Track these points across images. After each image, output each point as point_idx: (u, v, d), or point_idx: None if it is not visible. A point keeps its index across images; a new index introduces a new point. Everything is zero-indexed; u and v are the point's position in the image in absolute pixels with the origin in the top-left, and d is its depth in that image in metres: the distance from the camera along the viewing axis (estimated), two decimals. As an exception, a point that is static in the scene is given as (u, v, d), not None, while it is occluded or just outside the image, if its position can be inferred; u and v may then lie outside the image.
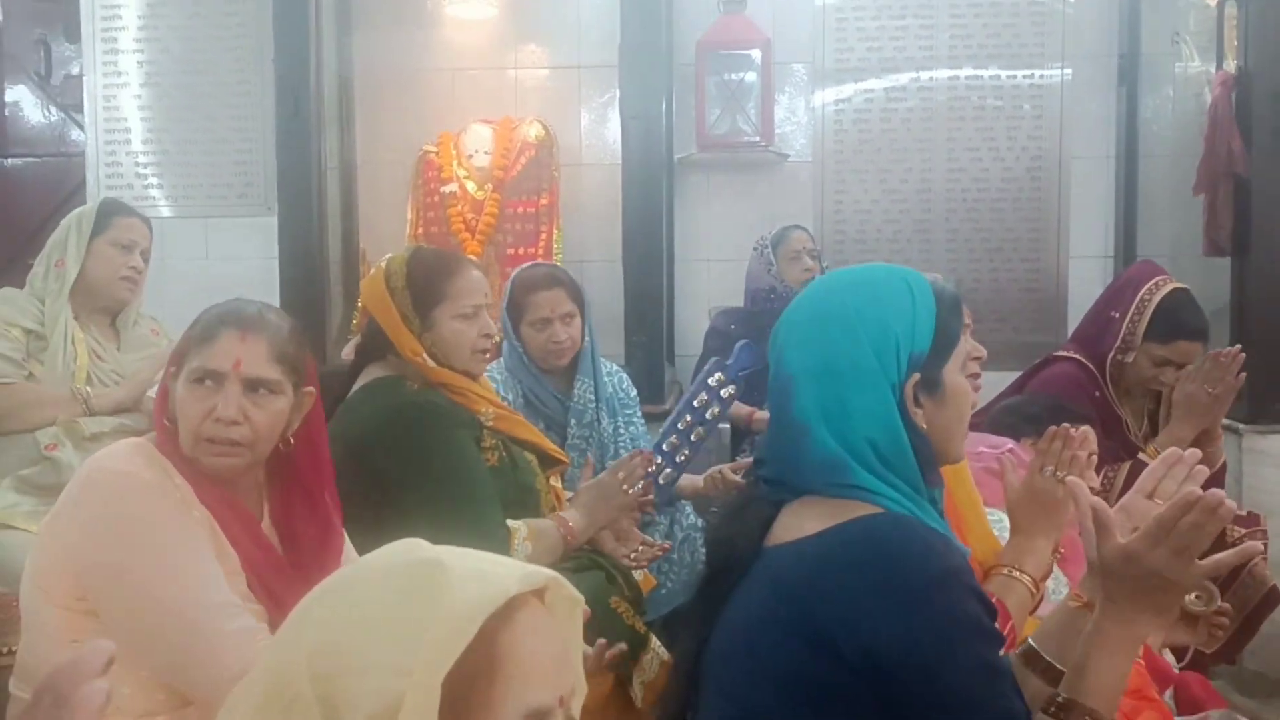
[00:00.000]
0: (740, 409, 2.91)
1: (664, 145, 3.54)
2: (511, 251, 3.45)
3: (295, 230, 3.31)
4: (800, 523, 1.24)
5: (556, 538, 1.91)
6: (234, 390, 1.42)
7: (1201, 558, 1.22)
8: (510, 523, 1.85)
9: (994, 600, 1.56)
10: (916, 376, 1.24)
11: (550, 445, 2.15)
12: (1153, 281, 2.64)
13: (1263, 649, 2.57)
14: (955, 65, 3.77)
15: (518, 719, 0.77)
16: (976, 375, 2.05)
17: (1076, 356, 2.71)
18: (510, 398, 2.38)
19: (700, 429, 2.06)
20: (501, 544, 1.82)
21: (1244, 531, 2.49)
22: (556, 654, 0.83)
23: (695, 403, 2.06)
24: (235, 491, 1.46)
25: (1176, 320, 2.59)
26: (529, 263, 2.69)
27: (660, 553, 2.06)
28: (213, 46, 3.70)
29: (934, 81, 3.77)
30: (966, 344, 1.32)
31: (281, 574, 1.43)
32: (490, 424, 1.99)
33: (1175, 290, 2.61)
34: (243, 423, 1.42)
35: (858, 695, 1.15)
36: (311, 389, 1.53)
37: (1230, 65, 2.94)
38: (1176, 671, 2.01)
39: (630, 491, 1.98)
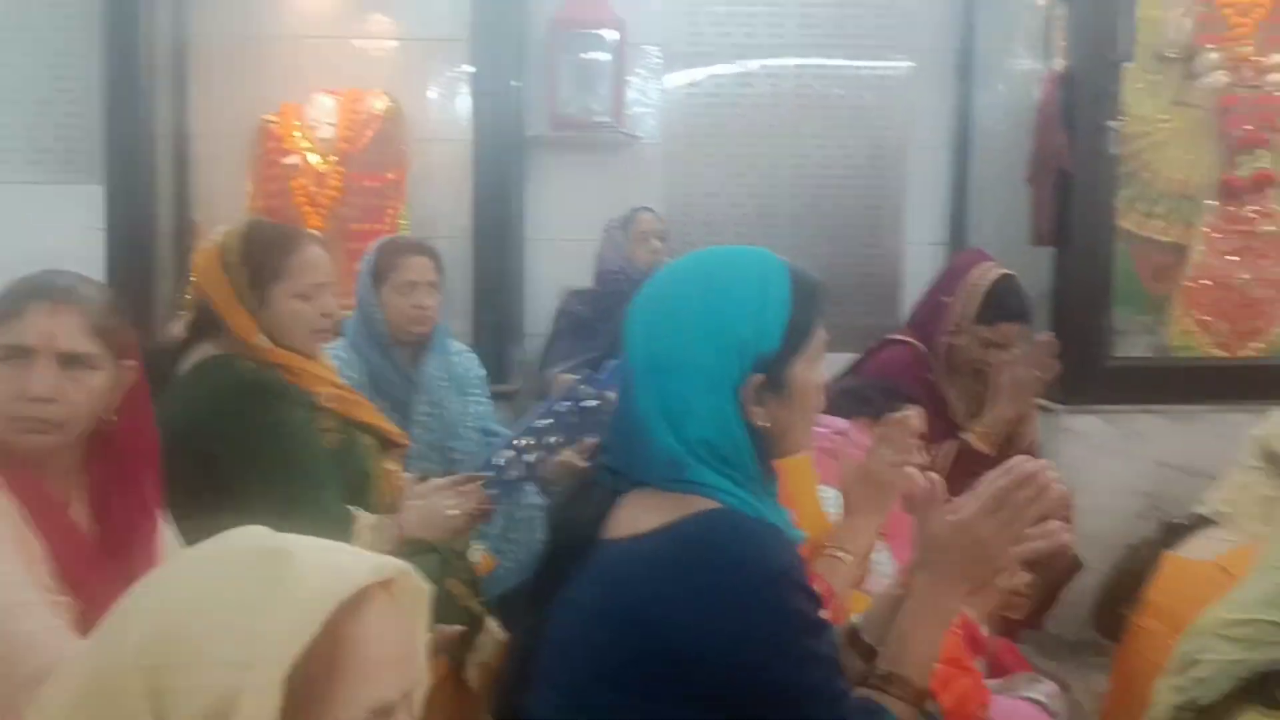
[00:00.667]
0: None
1: (516, 122, 3.51)
2: (356, 226, 3.38)
3: (123, 200, 3.16)
4: (636, 517, 1.25)
5: (392, 534, 1.88)
6: (47, 366, 1.35)
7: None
8: (352, 509, 1.81)
9: (820, 581, 1.63)
10: (760, 377, 1.23)
11: (390, 427, 2.11)
12: (980, 268, 2.78)
13: (1062, 615, 2.74)
14: (803, 53, 3.86)
15: (362, 716, 0.75)
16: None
17: (909, 340, 2.83)
18: (354, 376, 2.34)
19: (559, 435, 2.05)
20: (344, 530, 1.78)
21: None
22: (403, 648, 0.81)
23: (559, 407, 2.05)
24: (44, 474, 1.39)
25: (1002, 304, 2.74)
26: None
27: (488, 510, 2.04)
28: (34, 1, 3.48)
29: (782, 69, 3.85)
30: (820, 334, 1.30)
31: (91, 562, 1.37)
32: (328, 405, 1.95)
33: (1001, 276, 2.76)
34: (57, 401, 1.35)
35: (689, 692, 1.17)
36: (133, 363, 1.46)
37: (1058, 64, 3.08)
38: (990, 641, 2.13)
39: (459, 518, 1.94)
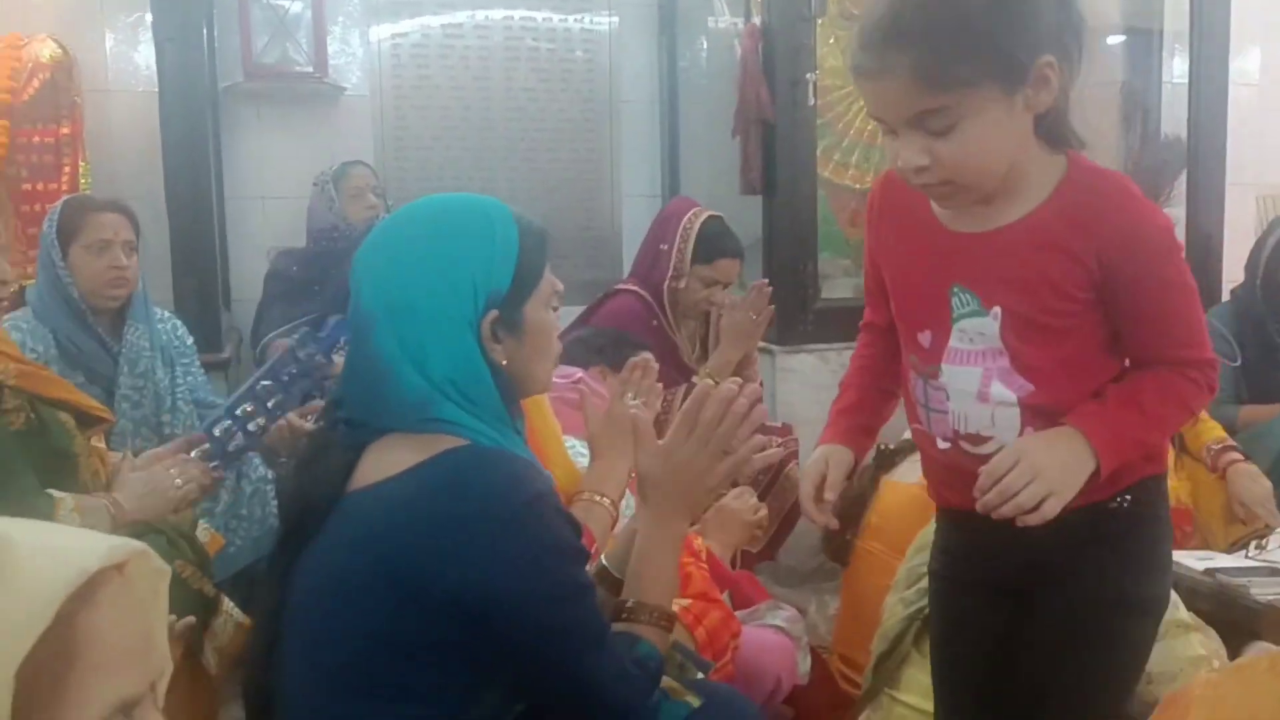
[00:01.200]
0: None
1: (207, 73, 3.25)
2: (28, 186, 3.01)
3: None
4: (384, 462, 1.21)
5: (105, 516, 1.70)
6: None
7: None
8: (54, 493, 1.62)
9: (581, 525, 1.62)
10: (495, 314, 1.23)
11: (90, 402, 1.91)
12: (690, 212, 2.90)
13: (795, 545, 2.89)
14: (510, 6, 3.80)
15: (107, 711, 0.67)
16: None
17: (635, 289, 2.88)
18: (40, 349, 2.10)
19: (280, 396, 1.91)
20: (44, 516, 1.59)
21: (780, 441, 2.79)
22: (143, 635, 0.73)
23: (283, 374, 1.90)
24: None
25: (717, 243, 2.88)
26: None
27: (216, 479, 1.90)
28: None
29: (490, 21, 3.78)
30: (550, 280, 1.32)
31: None
32: (11, 383, 1.73)
33: (710, 217, 2.90)
34: None
35: (450, 640, 1.14)
36: None
37: (756, 19, 3.20)
38: (731, 572, 2.21)
39: (185, 487, 1.80)
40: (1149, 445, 1.28)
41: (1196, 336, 1.25)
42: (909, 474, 2.38)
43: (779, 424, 2.97)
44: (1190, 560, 2.24)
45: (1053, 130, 1.23)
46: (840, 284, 3.61)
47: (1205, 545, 2.53)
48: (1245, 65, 3.74)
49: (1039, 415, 1.25)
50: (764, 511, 2.21)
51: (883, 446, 2.48)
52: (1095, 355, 1.26)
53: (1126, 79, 3.93)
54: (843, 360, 3.19)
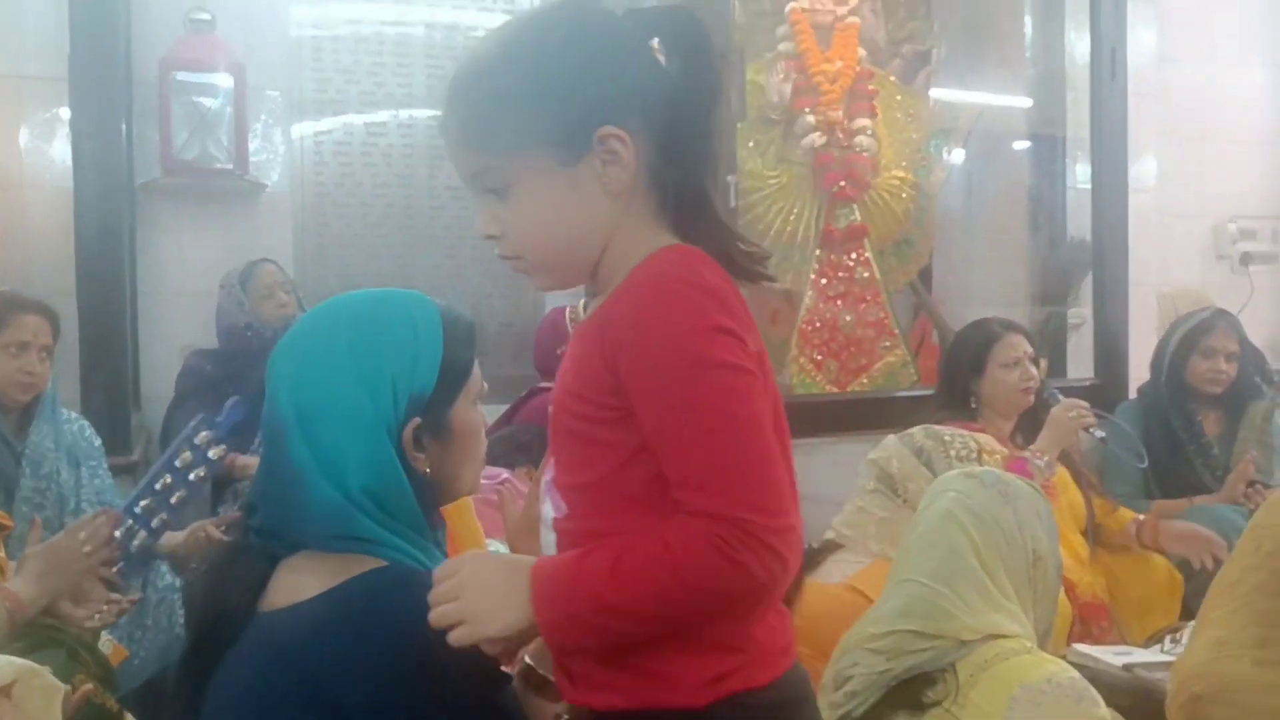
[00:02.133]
0: (219, 455, 2.71)
1: (124, 169, 3.21)
2: (-67, 282, 2.93)
3: None
4: (299, 583, 1.16)
5: (1, 614, 1.62)
6: None
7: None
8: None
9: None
10: (418, 421, 1.19)
11: (-15, 508, 1.84)
12: (568, 309, 2.94)
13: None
14: (434, 104, 3.82)
15: None
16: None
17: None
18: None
19: (182, 491, 1.84)
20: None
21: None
22: None
23: (177, 462, 1.83)
24: None
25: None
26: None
27: (129, 606, 1.83)
28: None
29: (414, 119, 3.81)
30: (479, 378, 1.28)
31: None
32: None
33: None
34: None
35: None
36: None
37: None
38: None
39: (92, 555, 1.74)
40: (615, 612, 0.95)
41: (725, 482, 0.95)
42: (832, 574, 2.38)
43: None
44: (1108, 656, 2.27)
45: (675, 217, 1.08)
46: (762, 381, 3.66)
47: (1122, 640, 2.56)
48: (1141, 171, 3.93)
49: (572, 543, 1.05)
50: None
51: (806, 546, 2.48)
52: (635, 486, 1.01)
53: (1033, 183, 4.10)
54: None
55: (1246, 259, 4.46)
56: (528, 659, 1.40)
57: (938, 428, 2.41)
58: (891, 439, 2.41)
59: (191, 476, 1.84)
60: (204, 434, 1.85)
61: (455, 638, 1.01)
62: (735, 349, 0.98)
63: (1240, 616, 0.84)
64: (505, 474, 2.16)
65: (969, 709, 1.49)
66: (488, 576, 1.02)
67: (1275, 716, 0.78)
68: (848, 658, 1.66)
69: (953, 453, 2.31)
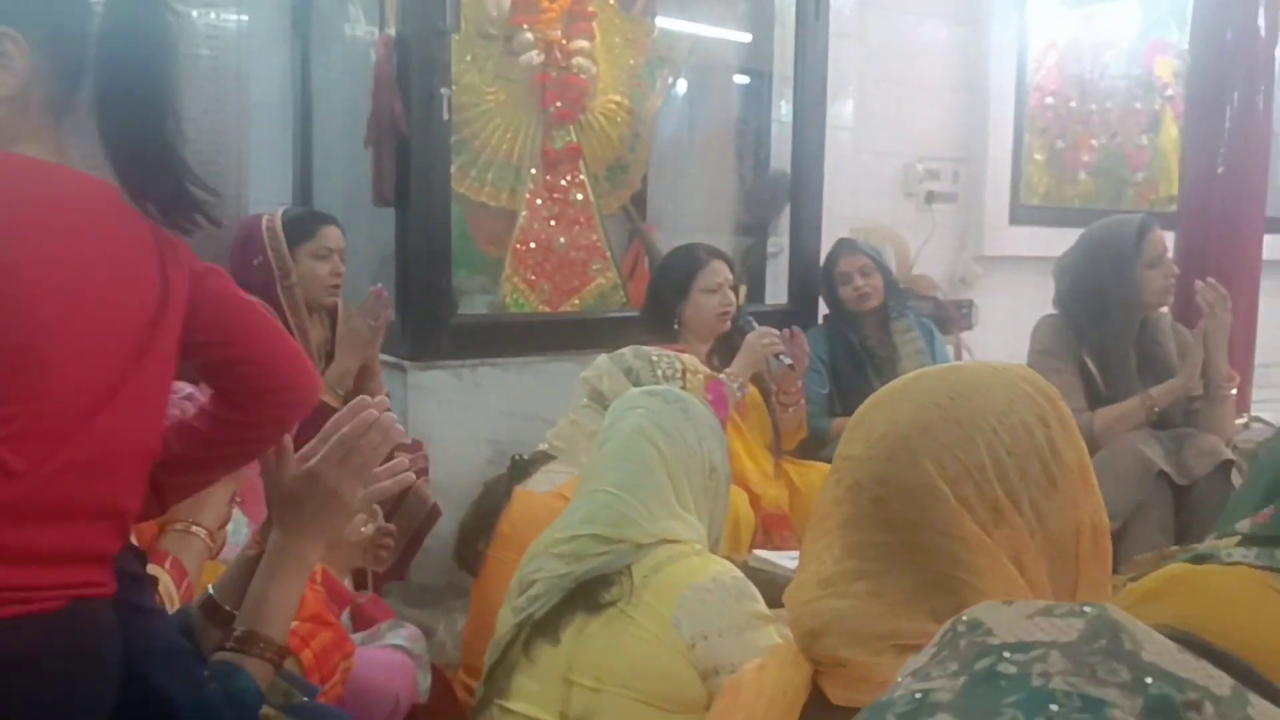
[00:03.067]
0: None
1: None
2: None
3: None
4: None
5: None
6: None
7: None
8: None
9: (169, 558, 1.52)
10: None
11: None
12: (265, 217, 2.90)
13: (426, 563, 2.87)
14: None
15: None
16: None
17: (254, 299, 2.75)
18: None
19: None
20: None
21: (409, 457, 2.76)
22: None
23: None
24: None
25: (306, 220, 2.93)
26: None
27: None
28: None
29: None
30: None
31: None
32: None
33: (284, 210, 2.94)
34: None
35: None
36: None
37: (391, 30, 3.16)
38: (354, 594, 2.15)
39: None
40: None
41: None
42: (542, 484, 2.43)
43: (409, 440, 2.94)
44: (784, 560, 2.46)
45: (111, 150, 1.16)
46: (476, 300, 3.65)
47: (801, 547, 2.76)
48: (841, 110, 4.16)
49: None
50: (370, 527, 2.16)
51: (517, 457, 2.52)
52: None
53: (742, 115, 4.25)
54: (477, 377, 3.24)
55: (931, 197, 4.84)
56: (212, 590, 1.37)
57: (646, 349, 2.49)
58: (603, 358, 2.48)
59: None
60: None
61: None
62: None
63: (835, 551, 0.91)
64: (190, 388, 2.05)
65: (641, 608, 1.57)
66: None
67: (883, 639, 0.86)
68: (534, 563, 1.71)
69: (659, 372, 2.41)
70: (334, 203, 3.51)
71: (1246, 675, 0.38)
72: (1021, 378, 0.94)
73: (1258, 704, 0.37)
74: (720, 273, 3.03)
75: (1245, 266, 3.71)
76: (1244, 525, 1.31)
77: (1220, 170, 3.76)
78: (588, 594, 1.61)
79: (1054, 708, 0.34)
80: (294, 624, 1.60)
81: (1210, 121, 3.79)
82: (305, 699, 1.39)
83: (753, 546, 2.67)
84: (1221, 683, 0.37)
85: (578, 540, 1.66)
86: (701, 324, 3.01)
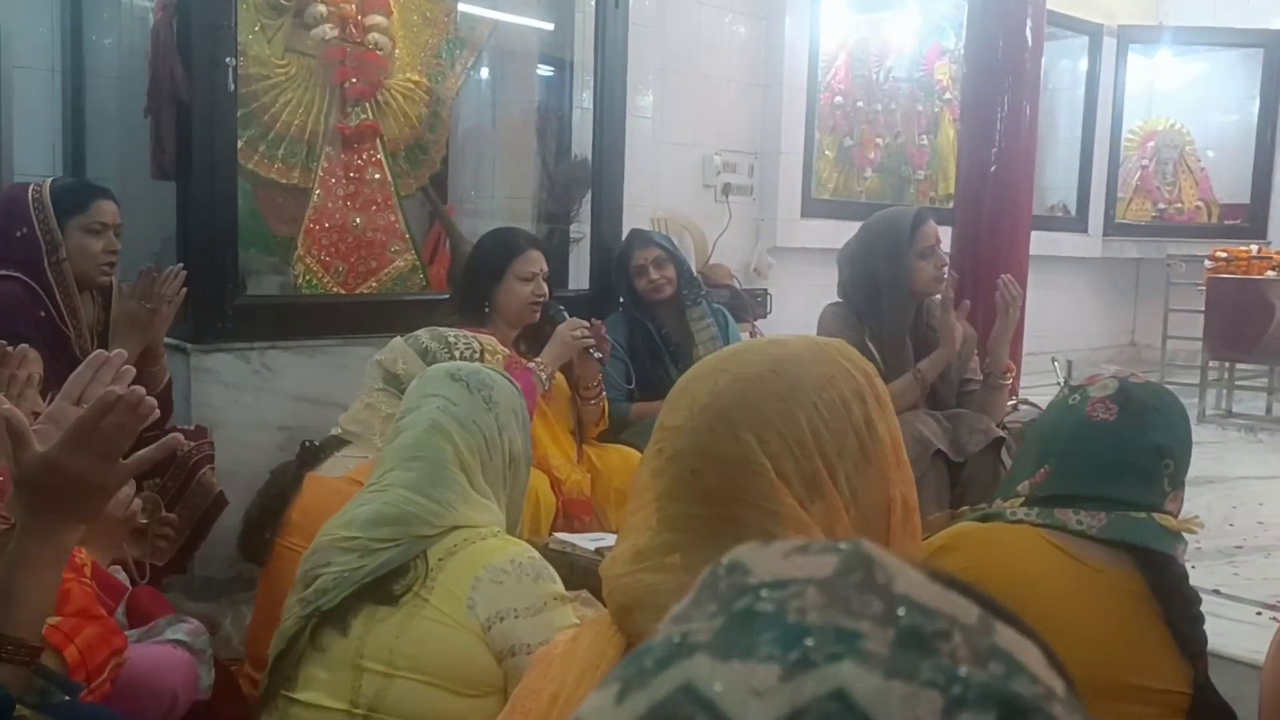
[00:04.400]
0: None
1: None
2: None
3: None
4: None
5: None
6: None
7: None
8: None
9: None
10: None
11: None
12: (31, 186, 2.65)
13: (211, 554, 2.74)
14: None
15: None
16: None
17: (18, 275, 2.55)
18: None
19: None
20: None
21: (192, 444, 2.63)
22: None
23: None
24: None
25: (78, 191, 2.70)
26: None
27: None
28: None
29: None
30: None
31: None
32: None
33: (54, 180, 2.72)
34: None
35: None
36: None
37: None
38: (130, 587, 2.03)
39: None
40: None
41: None
42: (336, 469, 2.35)
43: (193, 425, 2.80)
44: (584, 542, 2.47)
45: None
46: (267, 281, 3.50)
47: (601, 529, 2.79)
48: (642, 100, 4.21)
49: None
50: (136, 508, 2.03)
51: (307, 443, 2.43)
52: None
53: (544, 101, 4.24)
54: (267, 360, 3.11)
55: (727, 189, 4.98)
56: None
57: (443, 329, 2.44)
58: (398, 341, 2.42)
59: None
60: None
61: None
62: None
63: (652, 523, 0.90)
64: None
65: (436, 591, 1.55)
66: None
67: None
68: (318, 556, 1.65)
69: (456, 354, 2.36)
70: (109, 175, 3.30)
71: (991, 604, 0.40)
72: (840, 353, 0.95)
73: (1002, 631, 0.39)
74: (537, 262, 3.02)
75: (1014, 260, 3.98)
76: (1024, 487, 1.43)
77: (993, 169, 4.01)
78: (380, 586, 1.57)
79: (809, 642, 0.35)
80: (55, 619, 1.50)
81: (983, 124, 4.04)
82: (66, 697, 1.30)
83: (554, 529, 2.68)
84: (969, 612, 0.39)
85: (366, 539, 1.61)
86: (513, 310, 2.99)
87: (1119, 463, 1.37)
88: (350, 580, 1.59)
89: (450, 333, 2.44)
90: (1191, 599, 1.36)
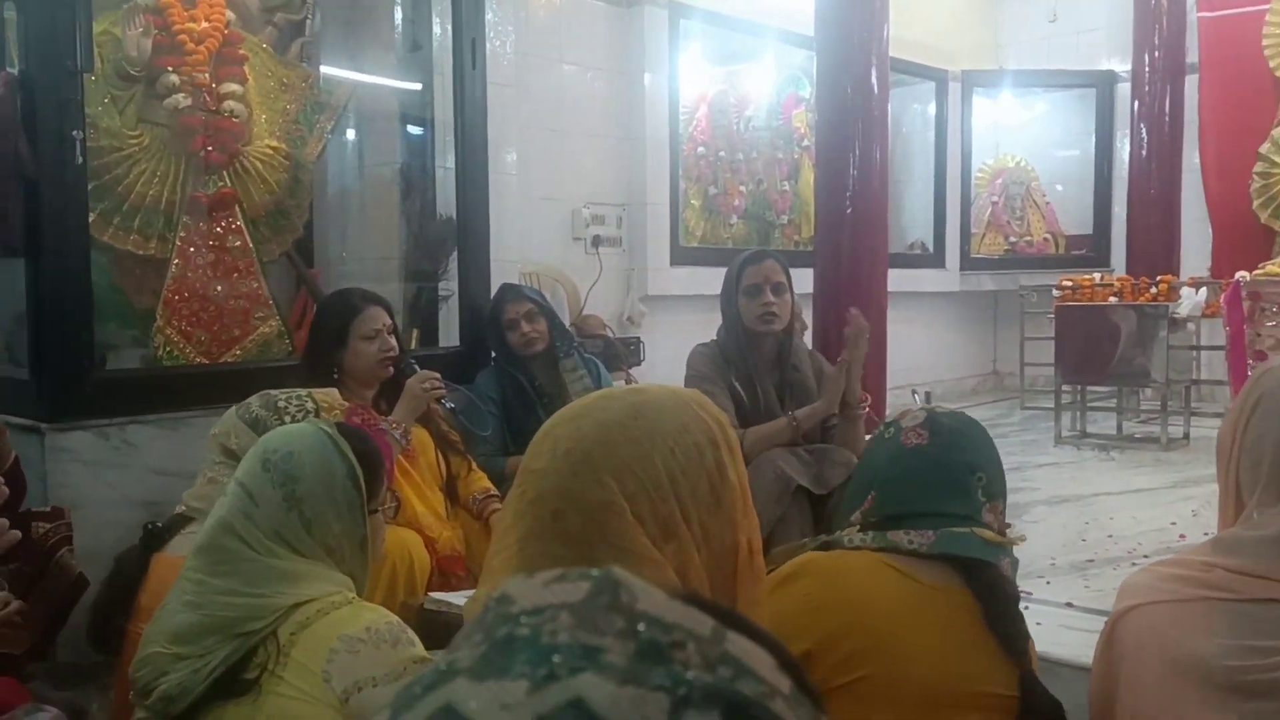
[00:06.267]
0: None
1: None
2: None
3: None
4: None
5: None
6: None
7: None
8: None
9: None
10: None
11: None
12: None
13: (75, 638, 2.64)
14: None
15: None
16: None
17: None
18: None
19: None
20: None
21: (49, 526, 2.54)
22: None
23: None
24: None
25: None
26: None
27: None
28: None
29: None
30: None
31: None
32: None
33: None
34: None
35: None
36: None
37: (14, 69, 2.94)
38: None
39: None
40: None
41: None
42: (181, 547, 2.27)
43: (49, 507, 2.71)
44: (458, 600, 2.47)
45: None
46: (128, 354, 3.43)
47: (475, 585, 2.78)
48: (505, 157, 4.26)
49: None
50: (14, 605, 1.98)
51: (149, 525, 2.34)
52: None
53: (406, 162, 4.27)
54: (127, 435, 3.03)
55: (597, 241, 5.06)
56: None
57: (274, 392, 2.34)
58: (230, 413, 2.34)
59: None
60: None
61: None
62: None
63: (512, 565, 0.94)
64: None
65: (290, 668, 1.50)
66: None
67: None
68: (151, 669, 1.59)
69: (287, 418, 2.28)
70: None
71: (728, 617, 0.45)
72: (695, 402, 1.00)
73: (734, 639, 0.44)
74: (378, 318, 2.98)
75: (873, 298, 4.14)
76: (856, 516, 1.52)
77: (849, 211, 4.18)
78: (230, 678, 1.52)
79: (556, 659, 0.39)
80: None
81: (837, 169, 4.21)
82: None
83: (429, 589, 2.66)
84: (704, 624, 0.44)
85: (199, 645, 1.55)
86: (363, 370, 2.97)
87: (936, 480, 1.49)
88: (195, 682, 1.53)
89: (281, 395, 2.34)
90: (1009, 599, 1.46)
